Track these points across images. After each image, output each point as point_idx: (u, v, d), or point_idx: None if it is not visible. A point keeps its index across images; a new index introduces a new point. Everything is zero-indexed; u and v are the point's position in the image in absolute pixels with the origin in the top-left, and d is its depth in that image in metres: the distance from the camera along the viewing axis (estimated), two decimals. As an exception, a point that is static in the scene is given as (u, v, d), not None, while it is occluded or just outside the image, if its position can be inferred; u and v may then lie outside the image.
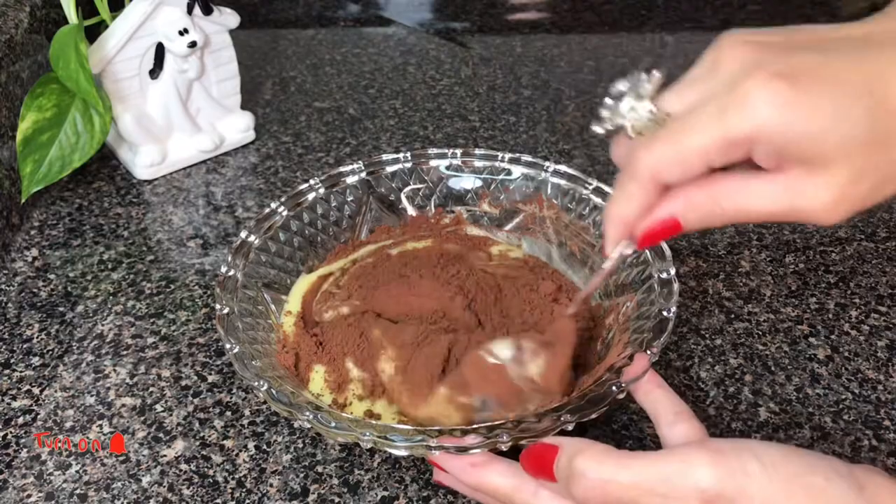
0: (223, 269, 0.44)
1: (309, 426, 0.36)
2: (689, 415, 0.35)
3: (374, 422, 0.38)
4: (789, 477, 0.27)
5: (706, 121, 0.29)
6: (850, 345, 0.50)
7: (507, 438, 0.35)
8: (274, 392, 0.37)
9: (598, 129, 0.34)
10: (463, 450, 0.35)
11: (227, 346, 0.40)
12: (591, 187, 0.49)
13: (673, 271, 0.43)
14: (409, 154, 0.52)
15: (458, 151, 0.52)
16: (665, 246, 0.44)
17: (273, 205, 0.48)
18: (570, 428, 0.36)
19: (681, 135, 0.30)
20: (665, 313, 0.41)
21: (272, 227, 0.47)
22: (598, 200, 0.49)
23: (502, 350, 0.41)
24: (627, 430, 0.44)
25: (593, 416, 0.36)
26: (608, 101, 0.33)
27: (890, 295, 0.54)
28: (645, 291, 0.43)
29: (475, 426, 0.36)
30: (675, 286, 0.42)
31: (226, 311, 0.42)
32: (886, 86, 0.27)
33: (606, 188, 0.49)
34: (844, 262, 0.57)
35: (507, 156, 0.52)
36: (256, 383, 0.38)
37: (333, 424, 0.36)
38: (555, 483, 0.32)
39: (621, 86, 0.33)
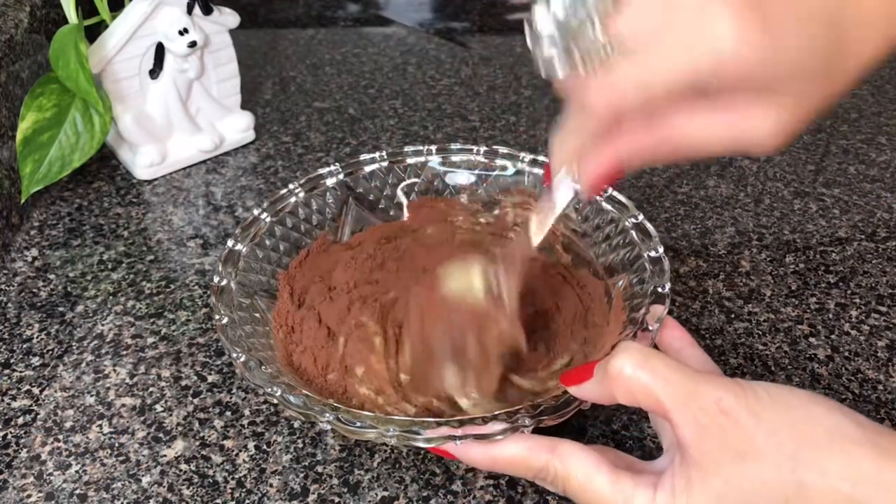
0: (216, 280, 0.44)
1: (329, 427, 0.36)
2: (719, 374, 0.36)
3: (395, 417, 0.37)
4: (792, 405, 0.30)
5: (673, 51, 0.27)
6: (850, 345, 0.50)
7: (530, 422, 0.35)
8: (289, 398, 0.37)
9: (555, 68, 0.29)
10: (487, 436, 0.35)
11: (234, 355, 0.39)
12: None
13: (661, 249, 0.43)
14: (384, 153, 0.53)
15: (434, 148, 0.53)
16: (650, 226, 0.45)
17: (256, 211, 0.48)
18: (586, 407, 0.36)
19: (645, 67, 0.28)
20: (660, 290, 0.41)
21: (257, 234, 0.47)
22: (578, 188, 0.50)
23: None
24: (627, 430, 0.44)
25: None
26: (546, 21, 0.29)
27: (890, 295, 0.54)
28: (636, 272, 0.44)
29: (496, 413, 0.36)
30: (666, 263, 0.42)
31: (225, 320, 0.41)
32: (844, 17, 0.27)
33: None
34: (844, 262, 0.57)
35: (483, 149, 0.53)
36: (269, 390, 0.37)
37: (358, 424, 0.35)
38: (590, 381, 0.34)
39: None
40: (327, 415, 0.36)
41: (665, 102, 0.29)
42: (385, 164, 0.52)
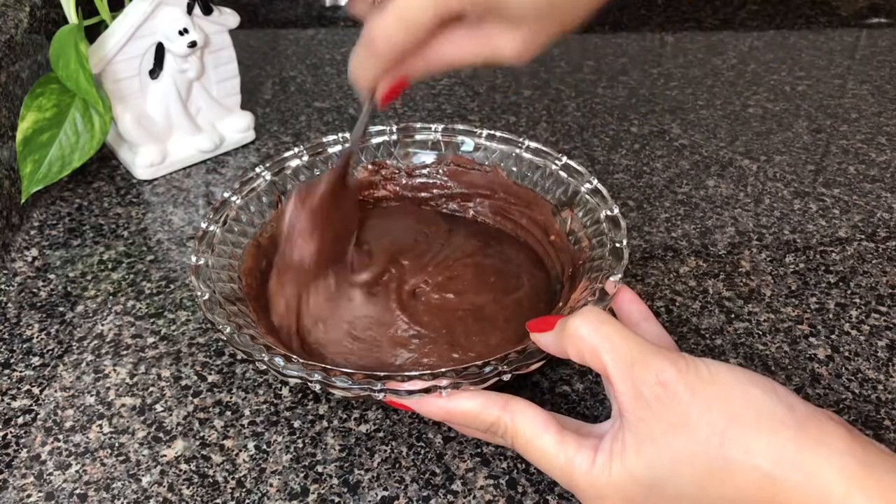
0: (203, 224, 0.46)
1: (264, 367, 0.38)
2: (671, 349, 0.38)
3: (323, 365, 0.38)
4: (729, 384, 0.32)
5: None
6: (850, 345, 0.50)
7: (447, 383, 0.36)
8: (236, 336, 0.39)
9: None
10: (410, 392, 0.36)
11: (198, 293, 0.42)
12: (523, 146, 0.52)
13: (616, 210, 0.45)
14: (347, 135, 0.53)
15: (395, 127, 0.54)
16: (603, 188, 0.47)
17: (226, 193, 0.49)
18: (503, 381, 0.37)
19: (405, 10, 0.36)
20: (618, 245, 0.43)
21: (255, 189, 0.50)
22: (535, 159, 0.52)
23: None
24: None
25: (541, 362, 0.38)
26: None
27: (890, 295, 0.54)
28: (596, 234, 0.46)
29: (420, 373, 0.37)
30: (623, 222, 0.45)
31: (201, 261, 0.44)
32: None
33: (536, 145, 0.52)
34: (844, 262, 0.57)
35: (441, 126, 0.54)
36: (221, 326, 0.40)
37: (283, 366, 0.38)
38: (550, 333, 0.36)
39: None
40: (263, 355, 0.38)
41: (429, 34, 0.37)
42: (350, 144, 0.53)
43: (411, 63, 0.39)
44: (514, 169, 0.52)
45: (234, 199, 0.49)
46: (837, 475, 0.29)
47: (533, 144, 0.52)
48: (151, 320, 0.52)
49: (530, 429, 0.35)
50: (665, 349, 0.33)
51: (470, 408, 0.36)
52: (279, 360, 0.38)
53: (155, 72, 0.63)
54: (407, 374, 0.37)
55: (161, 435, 0.44)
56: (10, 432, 0.44)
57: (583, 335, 0.34)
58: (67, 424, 0.45)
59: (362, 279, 0.47)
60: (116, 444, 0.44)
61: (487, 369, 0.37)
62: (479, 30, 0.37)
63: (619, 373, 0.32)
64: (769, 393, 0.31)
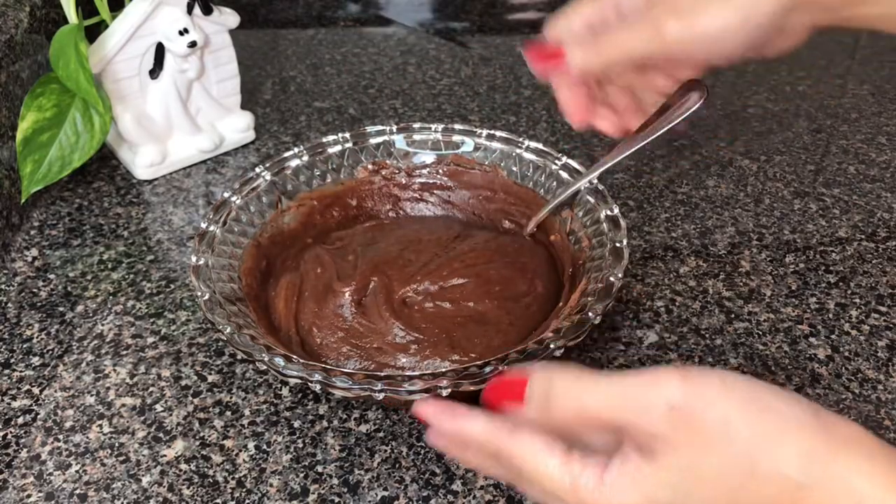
0: (203, 224, 0.46)
1: (265, 367, 0.39)
2: (651, 370, 0.37)
3: (322, 365, 0.38)
4: (748, 397, 0.30)
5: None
6: (850, 345, 0.50)
7: (447, 384, 0.36)
8: (236, 336, 0.40)
9: None
10: (409, 393, 0.37)
11: (198, 293, 0.42)
12: (523, 146, 0.52)
13: (616, 209, 0.46)
14: (348, 135, 0.54)
15: (395, 127, 0.54)
16: (604, 188, 0.48)
17: (226, 194, 0.49)
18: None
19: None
20: (618, 244, 0.43)
21: (255, 189, 0.50)
22: (535, 159, 0.52)
23: None
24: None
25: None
26: None
27: (890, 295, 0.54)
28: (596, 234, 0.46)
29: (420, 373, 0.37)
30: (623, 222, 0.45)
31: (201, 261, 0.44)
32: None
33: (537, 145, 0.53)
34: (844, 262, 0.57)
35: (441, 126, 0.54)
36: (221, 326, 0.40)
37: (283, 366, 0.38)
38: (526, 411, 0.34)
39: None
40: (263, 355, 0.38)
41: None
42: (350, 144, 0.53)
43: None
44: (515, 169, 0.52)
45: (234, 199, 0.49)
46: (868, 480, 0.28)
47: (533, 144, 0.52)
48: (151, 320, 0.52)
49: (535, 454, 0.33)
50: (661, 369, 0.32)
51: (478, 430, 0.34)
52: (279, 360, 0.38)
53: (155, 72, 0.63)
54: (407, 374, 0.37)
55: (161, 435, 0.44)
56: (10, 432, 0.44)
57: (568, 411, 0.32)
58: (67, 424, 0.45)
59: (347, 289, 0.47)
60: (116, 444, 0.44)
61: (487, 369, 0.37)
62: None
63: (629, 423, 0.31)
64: (792, 404, 0.30)
